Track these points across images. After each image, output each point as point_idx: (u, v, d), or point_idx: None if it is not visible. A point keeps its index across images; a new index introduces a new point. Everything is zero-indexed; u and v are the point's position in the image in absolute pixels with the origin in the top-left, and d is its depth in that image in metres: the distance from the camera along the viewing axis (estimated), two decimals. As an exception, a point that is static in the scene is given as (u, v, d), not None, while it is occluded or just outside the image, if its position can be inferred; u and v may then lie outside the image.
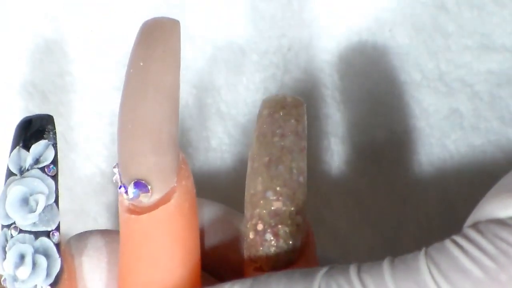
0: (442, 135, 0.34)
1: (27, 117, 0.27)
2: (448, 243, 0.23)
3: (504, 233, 0.22)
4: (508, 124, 0.34)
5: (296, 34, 0.35)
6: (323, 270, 0.23)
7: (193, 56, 0.36)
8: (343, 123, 0.35)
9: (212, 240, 0.28)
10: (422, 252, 0.23)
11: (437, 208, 0.35)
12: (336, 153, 0.35)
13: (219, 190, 0.36)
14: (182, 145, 0.36)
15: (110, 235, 0.28)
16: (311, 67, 0.35)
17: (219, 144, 0.36)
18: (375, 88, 0.35)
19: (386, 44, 0.34)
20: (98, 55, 0.36)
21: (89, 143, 0.37)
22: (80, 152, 0.37)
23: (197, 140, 0.36)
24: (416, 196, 0.35)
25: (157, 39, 0.24)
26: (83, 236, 0.28)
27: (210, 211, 0.29)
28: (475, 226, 0.23)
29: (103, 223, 0.37)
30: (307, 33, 0.35)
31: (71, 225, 0.36)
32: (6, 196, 0.25)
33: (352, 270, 0.23)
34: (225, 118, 0.36)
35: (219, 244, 0.28)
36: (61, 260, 0.25)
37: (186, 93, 0.36)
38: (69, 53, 0.36)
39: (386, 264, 0.23)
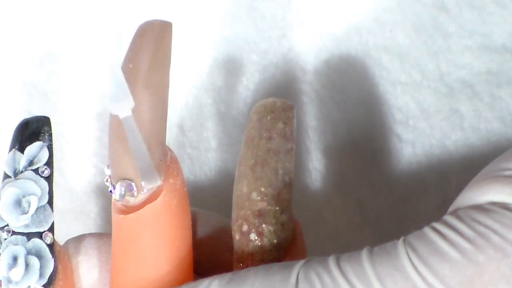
0: (442, 135, 0.34)
1: (24, 119, 0.27)
2: (426, 229, 0.23)
3: (482, 217, 0.22)
4: (508, 125, 0.34)
5: (296, 34, 0.35)
6: (302, 261, 0.24)
7: (193, 56, 0.36)
8: (343, 123, 0.35)
9: (204, 245, 0.29)
10: (401, 239, 0.23)
11: (437, 208, 0.35)
12: (335, 154, 0.35)
13: (219, 190, 0.36)
14: (183, 145, 0.36)
15: (108, 236, 0.28)
16: (311, 67, 0.35)
17: (219, 145, 0.36)
18: (375, 88, 0.35)
19: (387, 44, 0.34)
20: (98, 55, 0.36)
21: (89, 143, 0.37)
22: (80, 153, 0.37)
23: (197, 141, 0.36)
24: (416, 196, 0.35)
25: (147, 41, 0.24)
26: (81, 238, 0.28)
27: (202, 218, 0.29)
28: (454, 212, 0.23)
29: (102, 223, 0.37)
30: (307, 33, 0.35)
31: (71, 225, 0.36)
32: (0, 199, 0.25)
33: (331, 259, 0.23)
34: (225, 119, 0.36)
35: (211, 249, 0.29)
36: (55, 261, 0.26)
37: (186, 93, 0.36)
38: (69, 53, 0.36)
39: (365, 252, 0.23)
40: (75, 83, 0.37)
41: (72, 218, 0.37)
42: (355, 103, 0.35)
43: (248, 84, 0.36)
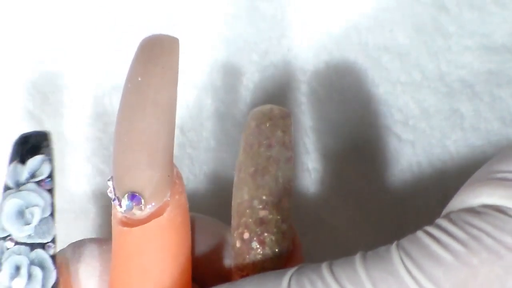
0: (442, 135, 0.34)
1: (24, 133, 0.27)
2: (419, 233, 0.23)
3: (474, 220, 0.22)
4: (508, 124, 0.33)
5: (296, 34, 0.35)
6: (294, 268, 0.24)
7: (192, 56, 0.36)
8: (343, 123, 0.35)
9: (202, 252, 0.29)
10: (394, 244, 0.23)
11: (437, 208, 0.35)
12: (335, 154, 0.35)
13: (219, 191, 0.36)
14: (183, 145, 0.36)
15: (107, 243, 0.28)
16: (311, 67, 0.35)
17: (219, 145, 0.36)
18: (375, 88, 0.35)
19: (387, 44, 0.34)
20: (99, 55, 0.36)
21: (88, 144, 0.37)
22: (79, 153, 0.37)
23: (196, 141, 0.36)
24: (416, 196, 0.35)
25: (156, 56, 0.24)
26: (81, 244, 0.28)
27: (200, 224, 0.29)
28: (447, 215, 0.23)
29: (102, 223, 0.37)
30: (307, 33, 0.35)
31: (71, 225, 0.36)
32: (2, 209, 0.25)
33: (324, 265, 0.23)
34: (225, 118, 0.36)
35: (209, 256, 0.29)
36: (57, 272, 0.26)
37: (186, 93, 0.36)
38: (69, 53, 0.36)
39: (358, 257, 0.23)
40: (75, 83, 0.37)
41: (72, 218, 0.37)
42: (355, 103, 0.35)
43: (248, 84, 0.36)
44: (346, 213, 0.35)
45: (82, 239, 0.29)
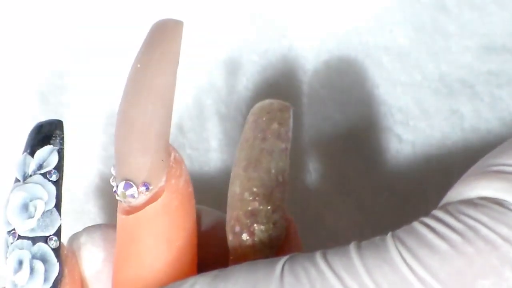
0: (442, 136, 0.34)
1: (38, 123, 0.27)
2: (415, 224, 0.23)
3: (471, 211, 0.22)
4: (508, 125, 0.33)
5: (296, 34, 0.35)
6: (287, 256, 0.24)
7: (192, 56, 0.36)
8: (343, 123, 0.35)
9: (209, 245, 0.29)
10: (389, 234, 0.23)
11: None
12: (335, 154, 0.35)
13: (219, 191, 0.36)
14: (182, 146, 0.36)
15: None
16: (311, 68, 0.35)
17: (219, 145, 0.36)
18: (376, 89, 0.35)
19: (387, 44, 0.34)
20: (98, 55, 0.36)
21: (88, 144, 0.37)
22: (79, 153, 0.37)
23: (197, 141, 0.36)
24: (416, 196, 0.35)
25: (157, 41, 0.24)
26: (95, 228, 0.28)
27: (208, 219, 0.29)
28: (443, 207, 0.23)
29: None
30: (307, 33, 0.35)
31: (71, 226, 0.36)
32: (8, 203, 0.26)
33: (318, 253, 0.23)
34: (225, 119, 0.36)
35: (215, 248, 0.29)
36: (60, 265, 0.26)
37: (185, 94, 0.36)
38: (69, 54, 0.36)
39: (352, 246, 0.23)
40: (75, 84, 0.37)
41: (72, 219, 0.36)
42: (355, 104, 0.35)
43: (248, 84, 0.36)
44: (346, 213, 0.35)
45: (99, 224, 0.29)
